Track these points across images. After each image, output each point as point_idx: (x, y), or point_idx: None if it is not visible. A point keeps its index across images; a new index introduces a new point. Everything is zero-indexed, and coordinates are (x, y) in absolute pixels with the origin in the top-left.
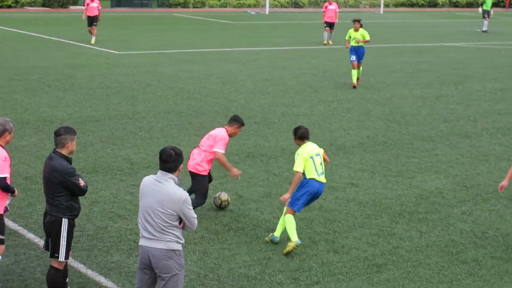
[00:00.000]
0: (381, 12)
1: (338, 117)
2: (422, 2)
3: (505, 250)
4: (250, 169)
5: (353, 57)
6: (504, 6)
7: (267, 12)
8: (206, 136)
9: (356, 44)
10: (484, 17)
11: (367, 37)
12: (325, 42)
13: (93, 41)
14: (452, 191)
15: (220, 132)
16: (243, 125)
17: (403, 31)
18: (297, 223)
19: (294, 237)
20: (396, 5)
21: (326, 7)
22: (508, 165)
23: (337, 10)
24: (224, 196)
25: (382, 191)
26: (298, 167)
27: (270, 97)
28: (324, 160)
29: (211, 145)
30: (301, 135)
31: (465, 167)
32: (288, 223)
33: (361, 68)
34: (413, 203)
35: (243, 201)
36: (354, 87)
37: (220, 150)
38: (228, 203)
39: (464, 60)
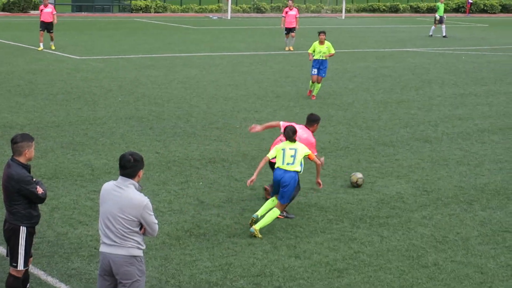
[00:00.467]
0: (343, 17)
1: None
2: (384, 7)
3: (465, 254)
4: (212, 174)
5: (315, 71)
6: (464, 12)
7: (229, 18)
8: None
9: (321, 58)
10: (435, 23)
11: (333, 51)
12: (287, 48)
13: (52, 46)
14: (412, 196)
15: (309, 138)
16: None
17: (364, 37)
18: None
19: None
20: (357, 11)
21: (286, 12)
22: (468, 169)
23: (297, 15)
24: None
25: (343, 196)
26: (268, 154)
27: (232, 102)
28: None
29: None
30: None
31: (425, 172)
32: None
33: (320, 84)
34: (374, 208)
35: (205, 206)
36: (311, 96)
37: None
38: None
39: (425, 65)
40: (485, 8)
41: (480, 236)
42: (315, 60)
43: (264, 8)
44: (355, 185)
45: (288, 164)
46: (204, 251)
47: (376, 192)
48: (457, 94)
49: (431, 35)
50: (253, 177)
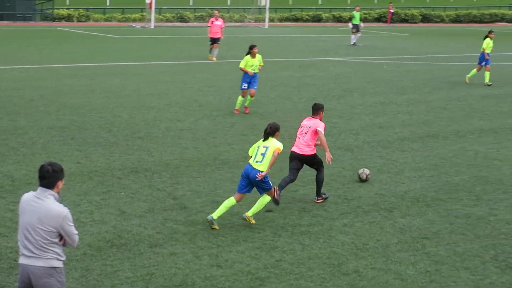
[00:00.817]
0: (266, 26)
1: (223, 132)
2: (307, 17)
3: (385, 261)
4: (134, 184)
5: (245, 85)
6: (386, 21)
7: (152, 27)
8: (303, 128)
9: (253, 71)
10: (353, 32)
11: (262, 63)
12: (210, 57)
13: None
14: (334, 204)
15: (317, 123)
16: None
17: (287, 46)
18: (180, 238)
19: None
20: (281, 20)
21: (212, 22)
22: (388, 177)
23: (223, 26)
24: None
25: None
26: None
27: (154, 112)
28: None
29: (313, 132)
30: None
31: (346, 180)
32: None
33: (253, 97)
34: (296, 216)
35: (126, 216)
36: (237, 112)
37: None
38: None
39: (347, 74)
40: (406, 17)
41: (400, 243)
42: (246, 74)
43: (188, 17)
44: (364, 180)
45: (257, 162)
46: (126, 262)
47: (298, 201)
48: (378, 102)
49: (354, 43)
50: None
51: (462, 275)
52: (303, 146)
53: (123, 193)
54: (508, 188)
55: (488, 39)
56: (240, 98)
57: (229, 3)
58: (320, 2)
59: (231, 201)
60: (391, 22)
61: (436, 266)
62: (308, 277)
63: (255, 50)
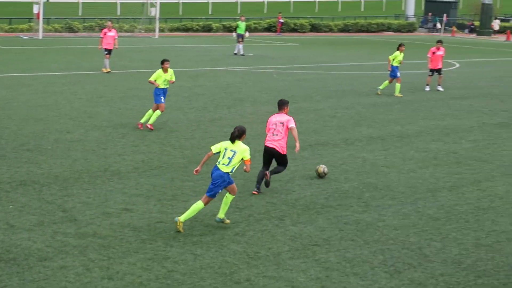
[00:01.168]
0: (156, 36)
1: (113, 142)
2: (197, 27)
3: (276, 269)
4: (22, 197)
5: (163, 98)
6: (275, 31)
7: (40, 37)
8: (276, 125)
9: (165, 86)
10: (238, 41)
11: (174, 78)
12: (106, 70)
13: None
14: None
15: (289, 119)
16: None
17: (178, 56)
18: (70, 251)
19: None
20: (171, 30)
21: (105, 33)
22: (279, 185)
23: (116, 37)
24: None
25: (157, 215)
26: (213, 147)
27: (43, 124)
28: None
29: (286, 128)
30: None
31: (238, 189)
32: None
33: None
34: (188, 226)
35: (15, 230)
36: (142, 127)
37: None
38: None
39: (237, 84)
40: (295, 27)
41: (291, 251)
42: (160, 89)
43: (77, 27)
44: (322, 176)
45: (223, 164)
46: (14, 277)
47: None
48: (269, 111)
49: (243, 53)
50: (198, 167)
51: (352, 281)
52: (276, 142)
53: (11, 206)
54: (395, 194)
55: (397, 51)
56: (151, 112)
57: (118, 13)
58: (210, 12)
59: (198, 207)
60: (280, 32)
61: (326, 272)
62: (200, 287)
63: (167, 64)
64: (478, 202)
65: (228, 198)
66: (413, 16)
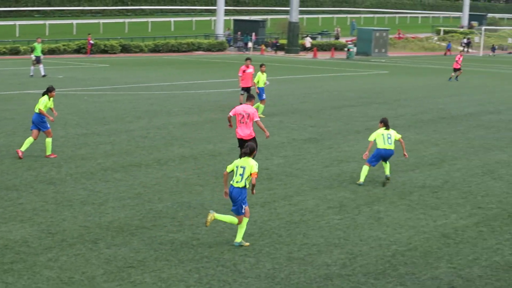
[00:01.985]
0: None
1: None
2: (4, 49)
3: None
4: None
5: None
6: (85, 53)
7: None
8: (244, 114)
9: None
10: (33, 63)
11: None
12: None
13: None
14: (37, 239)
15: (252, 109)
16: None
17: None
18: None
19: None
20: None
21: None
22: (93, 208)
23: None
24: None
25: None
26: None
27: None
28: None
29: (251, 120)
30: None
31: (50, 214)
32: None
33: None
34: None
35: None
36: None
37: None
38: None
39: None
40: (105, 48)
41: (106, 274)
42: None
43: None
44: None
45: (236, 182)
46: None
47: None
48: (79, 134)
49: (44, 74)
50: (225, 189)
51: None
52: (247, 130)
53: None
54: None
55: (259, 73)
56: (32, 139)
57: None
58: (17, 35)
59: (234, 219)
60: (91, 53)
61: None
62: None
63: (53, 93)
64: (290, 216)
65: (243, 221)
66: (222, 36)
